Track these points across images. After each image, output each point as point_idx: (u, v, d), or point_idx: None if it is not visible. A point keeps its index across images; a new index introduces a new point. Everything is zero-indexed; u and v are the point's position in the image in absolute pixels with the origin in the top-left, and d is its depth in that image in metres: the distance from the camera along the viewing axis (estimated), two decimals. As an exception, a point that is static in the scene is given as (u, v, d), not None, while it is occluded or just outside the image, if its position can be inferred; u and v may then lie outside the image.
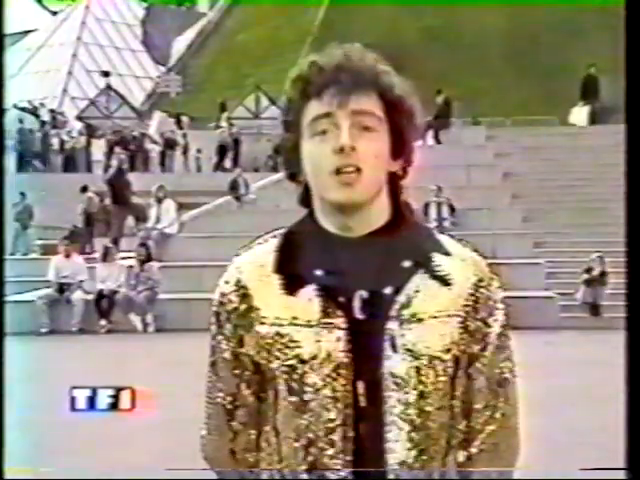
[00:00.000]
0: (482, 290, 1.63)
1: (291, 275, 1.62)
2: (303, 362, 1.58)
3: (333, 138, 1.59)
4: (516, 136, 22.30)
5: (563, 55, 35.49)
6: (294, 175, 1.67)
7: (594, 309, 14.22)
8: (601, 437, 6.52)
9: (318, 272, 1.60)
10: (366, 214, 1.62)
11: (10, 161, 24.90)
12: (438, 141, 22.31)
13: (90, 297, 14.37)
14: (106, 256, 14.95)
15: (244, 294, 1.64)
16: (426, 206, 16.79)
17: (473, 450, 1.66)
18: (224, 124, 27.52)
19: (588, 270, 14.32)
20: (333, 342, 1.57)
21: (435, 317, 1.59)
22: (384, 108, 1.61)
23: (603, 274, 14.15)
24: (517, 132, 23.36)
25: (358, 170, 1.58)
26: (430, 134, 22.00)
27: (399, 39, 36.49)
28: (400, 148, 1.64)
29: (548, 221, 17.41)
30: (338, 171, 1.58)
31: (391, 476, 1.58)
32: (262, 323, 1.62)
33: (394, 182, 1.67)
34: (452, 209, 17.11)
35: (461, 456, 1.65)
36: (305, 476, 1.59)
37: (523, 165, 20.06)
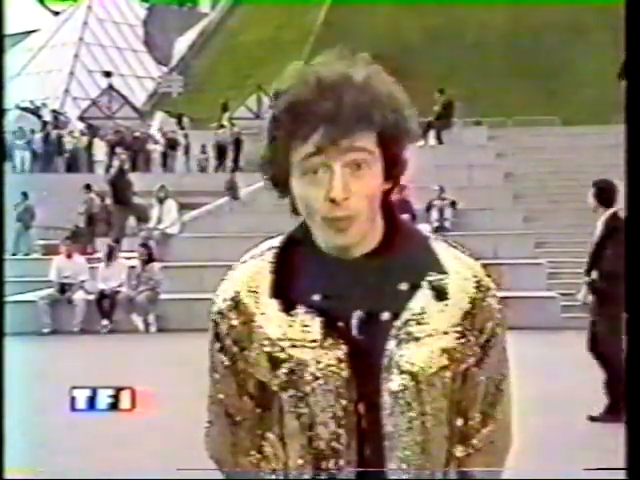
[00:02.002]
0: (478, 303, 1.61)
1: (288, 299, 1.59)
2: (304, 384, 1.57)
3: (324, 180, 1.51)
4: (517, 136, 22.32)
5: (564, 55, 35.51)
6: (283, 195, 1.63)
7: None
8: (601, 437, 6.52)
9: (316, 297, 1.58)
10: (361, 239, 1.57)
11: (11, 161, 24.92)
12: (440, 141, 22.31)
13: (92, 297, 14.37)
14: (110, 255, 14.93)
15: (242, 313, 1.62)
16: (428, 206, 16.81)
17: (470, 448, 1.66)
18: (226, 124, 27.54)
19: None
20: (334, 363, 1.56)
21: (432, 335, 1.57)
22: (379, 142, 1.54)
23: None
24: (518, 132, 23.38)
25: (352, 216, 1.53)
26: (432, 134, 22.01)
27: (401, 39, 36.53)
28: (393, 169, 1.59)
29: (549, 221, 17.40)
30: (331, 218, 1.53)
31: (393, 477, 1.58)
32: (261, 342, 1.60)
33: (385, 193, 1.60)
34: (454, 209, 17.10)
35: (458, 451, 1.65)
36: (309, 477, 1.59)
37: (524, 165, 20.06)
